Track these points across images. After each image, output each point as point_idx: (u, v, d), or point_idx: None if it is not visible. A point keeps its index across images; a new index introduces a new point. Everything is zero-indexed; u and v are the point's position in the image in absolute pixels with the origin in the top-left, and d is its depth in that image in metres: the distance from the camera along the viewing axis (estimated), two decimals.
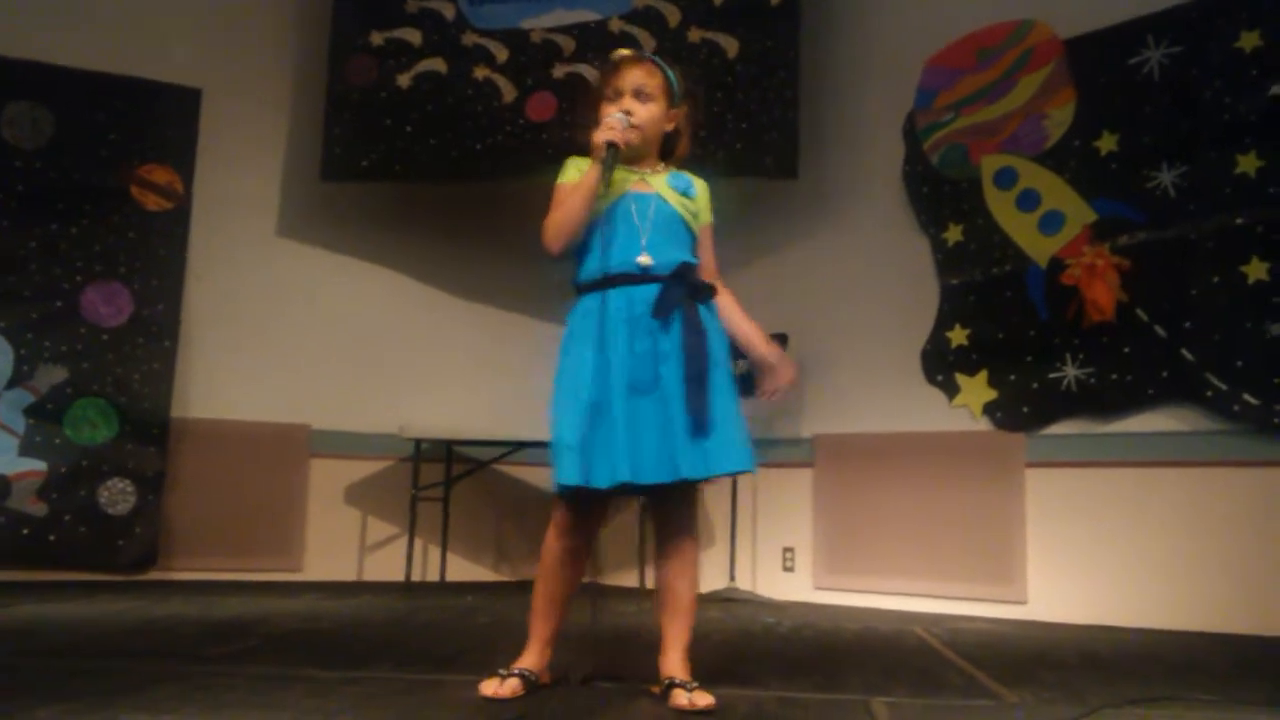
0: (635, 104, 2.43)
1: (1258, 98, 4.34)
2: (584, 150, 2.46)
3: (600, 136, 2.35)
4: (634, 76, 2.45)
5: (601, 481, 2.25)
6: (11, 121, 5.37)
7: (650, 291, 2.34)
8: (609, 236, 2.37)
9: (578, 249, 2.41)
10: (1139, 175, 4.61)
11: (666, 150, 2.53)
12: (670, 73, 2.51)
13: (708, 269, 2.51)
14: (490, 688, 2.29)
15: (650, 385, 2.30)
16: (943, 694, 2.58)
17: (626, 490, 2.32)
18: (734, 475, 2.41)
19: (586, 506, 2.40)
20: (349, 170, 5.90)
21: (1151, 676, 2.96)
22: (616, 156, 2.35)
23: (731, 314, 2.50)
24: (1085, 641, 3.80)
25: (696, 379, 2.29)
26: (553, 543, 2.42)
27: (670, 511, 2.42)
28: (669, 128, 2.50)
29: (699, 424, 2.27)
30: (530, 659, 2.39)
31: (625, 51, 2.53)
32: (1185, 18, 4.56)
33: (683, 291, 2.36)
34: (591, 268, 2.40)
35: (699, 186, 2.51)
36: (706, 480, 2.35)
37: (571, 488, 2.28)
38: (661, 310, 2.32)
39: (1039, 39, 5.00)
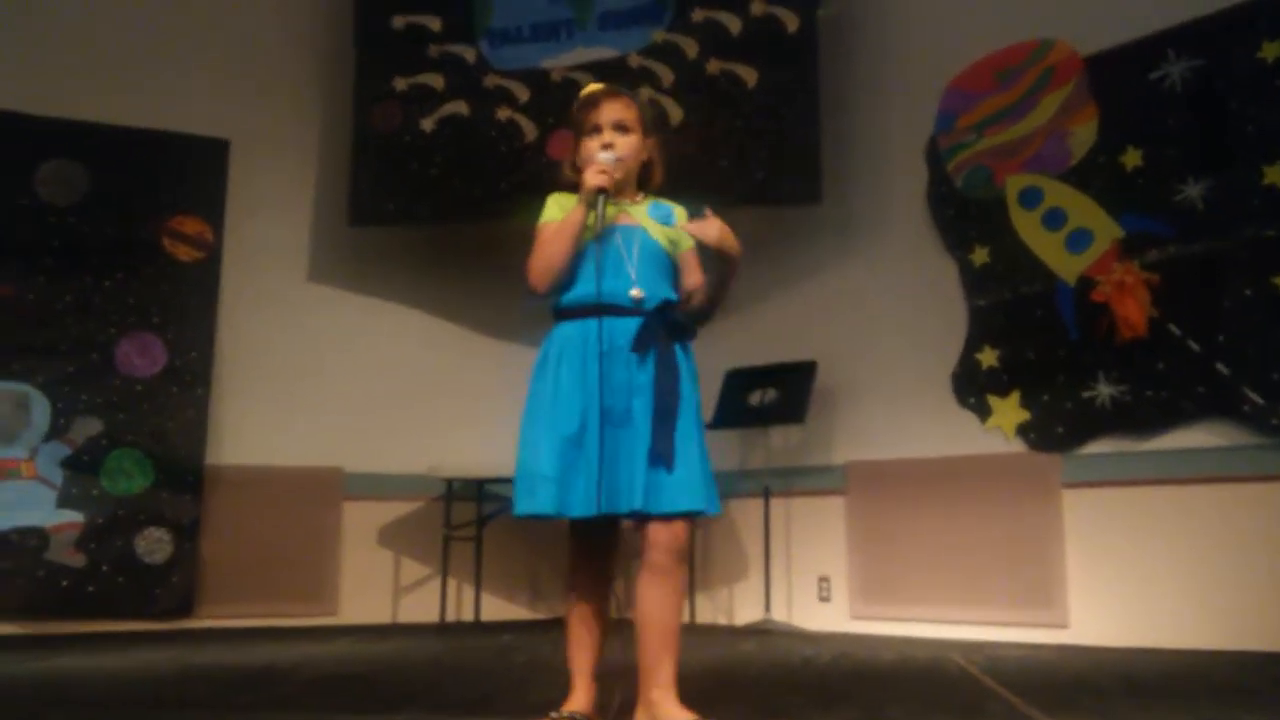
0: (616, 137, 2.44)
1: None
2: (564, 186, 2.48)
3: (592, 181, 2.35)
4: (612, 110, 2.45)
5: (577, 511, 2.26)
6: (45, 180, 5.48)
7: (632, 324, 2.35)
8: (596, 268, 2.37)
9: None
10: (1166, 189, 4.57)
11: (642, 181, 2.54)
12: (643, 105, 2.53)
13: (697, 285, 2.49)
14: None
15: (624, 417, 2.30)
16: None
17: (611, 519, 2.32)
18: (693, 515, 2.33)
19: (594, 536, 2.40)
20: (376, 214, 5.96)
21: (1196, 700, 2.90)
22: (607, 200, 2.37)
23: (696, 282, 2.48)
24: (1128, 665, 3.73)
25: (665, 415, 2.30)
26: (573, 578, 2.43)
27: (651, 544, 2.30)
28: (644, 159, 2.51)
29: (664, 459, 2.27)
30: (578, 699, 2.35)
31: (597, 86, 2.54)
32: (1205, 30, 4.53)
33: (662, 329, 2.37)
34: (576, 297, 2.40)
35: (678, 213, 2.52)
36: (661, 517, 2.28)
37: (545, 516, 2.29)
38: (641, 345, 2.33)
39: (1059, 57, 4.98)
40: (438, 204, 5.91)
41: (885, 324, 5.44)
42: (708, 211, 2.44)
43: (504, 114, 5.86)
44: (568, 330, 2.40)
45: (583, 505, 2.26)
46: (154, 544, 5.36)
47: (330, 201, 6.07)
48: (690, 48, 5.71)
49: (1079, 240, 4.81)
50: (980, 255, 5.14)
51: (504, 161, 5.81)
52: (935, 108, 5.38)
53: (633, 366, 2.33)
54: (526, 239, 6.16)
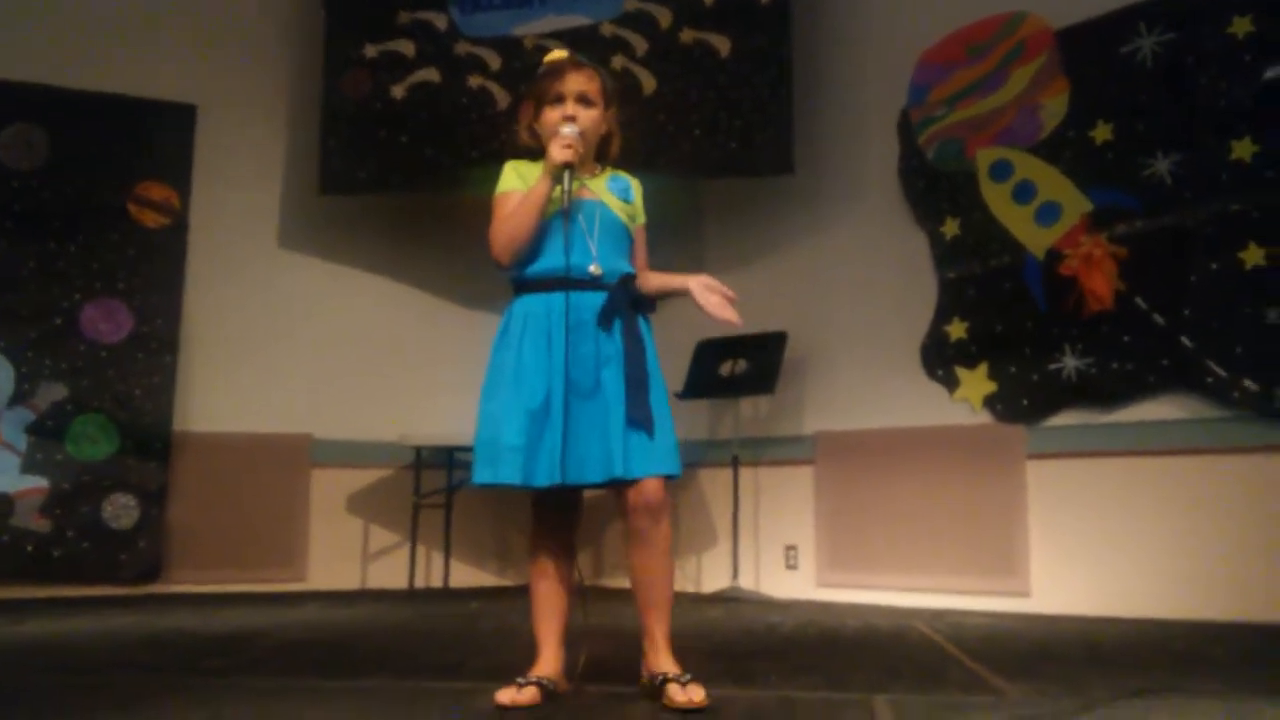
0: (579, 109, 2.44)
1: (1251, 83, 4.33)
2: (521, 153, 2.49)
3: (558, 156, 2.36)
4: (577, 81, 2.46)
5: (542, 480, 2.29)
6: (7, 143, 5.40)
7: (596, 298, 2.39)
8: (554, 242, 2.39)
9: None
10: (1134, 164, 4.60)
11: (601, 153, 2.55)
12: (605, 76, 2.53)
13: (640, 266, 2.54)
14: (507, 696, 2.26)
15: (591, 388, 2.34)
16: (944, 690, 2.57)
17: (578, 488, 2.36)
18: (663, 477, 2.37)
19: (555, 506, 2.43)
20: (347, 183, 5.91)
21: (1155, 668, 2.95)
22: (573, 175, 2.38)
23: (648, 281, 2.52)
24: (1089, 633, 3.79)
25: (637, 382, 2.34)
26: (533, 545, 2.46)
27: (632, 505, 2.35)
28: (603, 131, 2.52)
29: (643, 426, 2.31)
30: (545, 665, 2.37)
31: (562, 54, 2.54)
32: (1177, 5, 4.55)
33: (626, 300, 2.41)
34: (538, 270, 2.42)
35: (635, 187, 2.55)
36: (651, 478, 2.33)
37: (508, 487, 2.31)
38: (607, 318, 2.38)
39: (1031, 30, 5.00)
40: (409, 172, 5.86)
41: (856, 295, 5.47)
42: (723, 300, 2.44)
43: (475, 81, 5.81)
44: (530, 303, 2.42)
45: (548, 475, 2.29)
46: (120, 509, 5.33)
47: (300, 168, 6.01)
48: (663, 17, 5.67)
49: (1048, 213, 4.84)
50: (951, 228, 5.17)
51: (475, 130, 5.76)
52: (907, 80, 5.38)
53: (600, 339, 2.36)
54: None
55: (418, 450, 5.63)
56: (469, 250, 6.22)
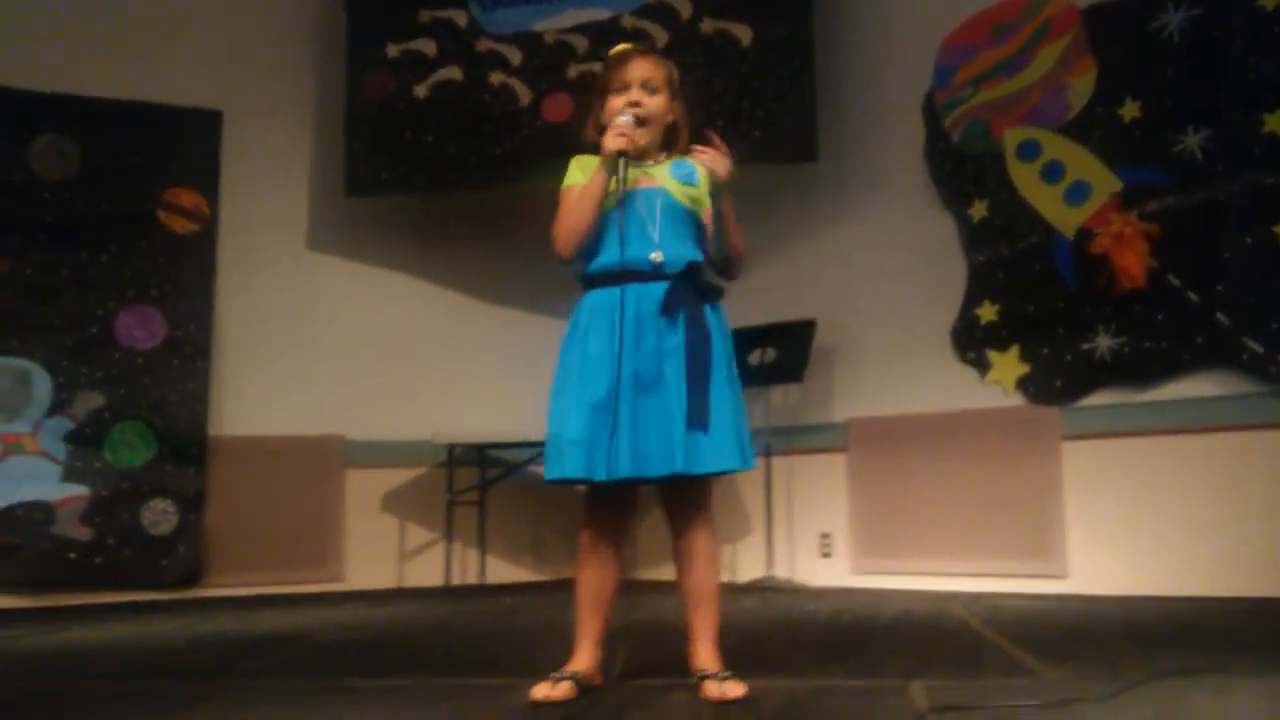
0: (643, 95, 2.43)
1: None
2: (586, 148, 2.47)
3: (611, 145, 2.36)
4: (640, 69, 2.45)
5: (602, 475, 2.27)
6: (39, 155, 5.46)
7: (659, 289, 2.36)
8: (619, 233, 2.36)
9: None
10: (1164, 140, 4.55)
11: (667, 142, 2.52)
12: (671, 67, 2.51)
13: (730, 222, 2.49)
14: (542, 691, 2.27)
15: (654, 381, 2.31)
16: (981, 674, 2.56)
17: (638, 482, 2.34)
18: (730, 473, 2.39)
19: (611, 501, 2.42)
20: (372, 184, 5.94)
21: (1193, 647, 2.92)
22: (628, 164, 2.37)
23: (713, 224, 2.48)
24: (1127, 614, 3.76)
25: (699, 377, 2.31)
26: (585, 540, 2.44)
27: (682, 502, 2.41)
28: (669, 120, 2.50)
29: (699, 421, 2.28)
30: (581, 661, 2.38)
31: (626, 45, 2.53)
32: None
33: (690, 291, 2.37)
34: (602, 263, 2.40)
35: (701, 170, 2.48)
36: (700, 476, 2.34)
37: (576, 481, 2.32)
38: (669, 309, 2.34)
39: (1056, 9, 4.94)
40: (433, 171, 5.87)
41: (884, 281, 5.43)
42: (714, 138, 2.42)
43: (497, 78, 5.82)
44: (596, 298, 2.41)
45: (609, 469, 2.27)
46: (159, 515, 5.39)
47: (326, 170, 6.04)
48: (684, 7, 5.66)
49: (1077, 193, 4.79)
50: (979, 210, 5.13)
51: (499, 126, 5.77)
52: (932, 62, 5.34)
53: (663, 330, 2.34)
54: (525, 204, 6.14)
55: (450, 448, 5.66)
56: (497, 248, 6.28)
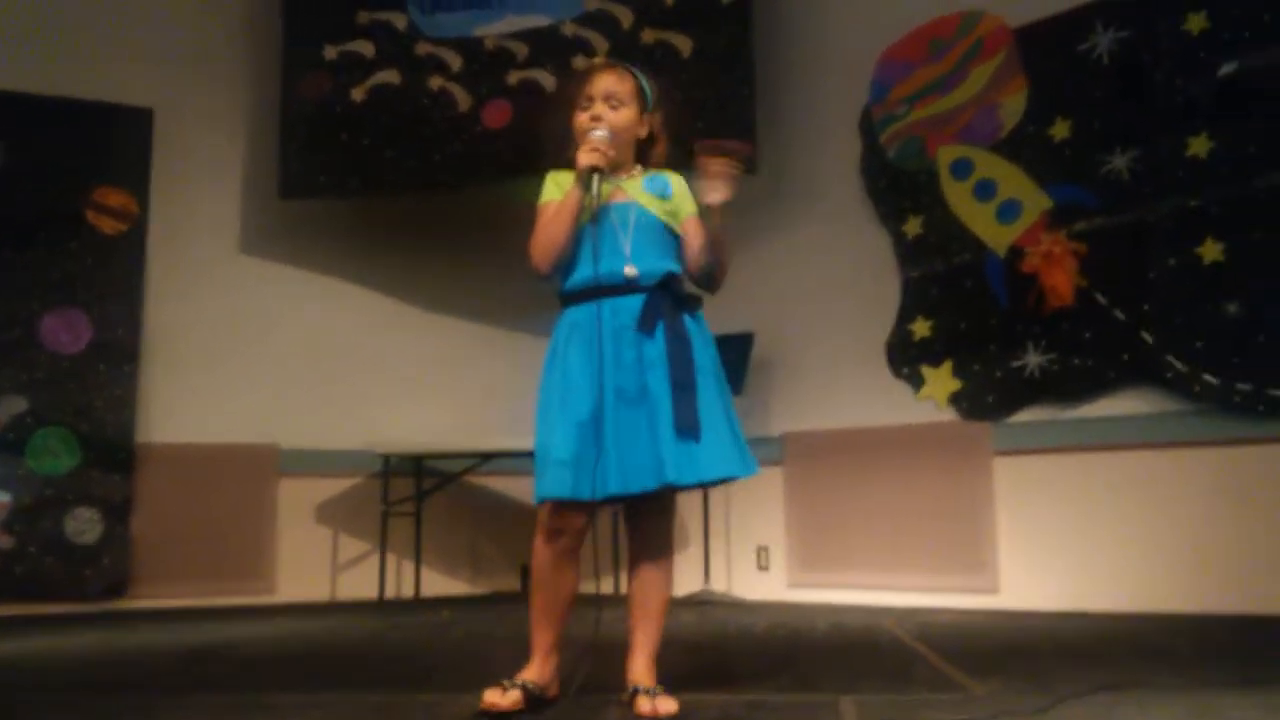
0: (606, 109, 2.42)
1: (1207, 79, 4.38)
2: (556, 163, 2.47)
3: (584, 160, 2.35)
4: (605, 83, 2.44)
5: (589, 494, 2.25)
6: None
7: (636, 302, 2.35)
8: (593, 249, 2.35)
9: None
10: (1093, 160, 4.64)
11: (642, 155, 2.52)
12: (642, 78, 2.50)
13: (718, 242, 2.46)
14: (491, 697, 2.24)
15: (638, 394, 2.30)
16: (911, 689, 2.58)
17: (625, 499, 2.34)
18: (731, 480, 2.40)
19: (575, 514, 2.38)
20: (307, 187, 5.86)
21: (1121, 662, 2.98)
22: (602, 178, 2.36)
23: (697, 237, 2.44)
24: (1056, 629, 3.82)
25: (683, 386, 2.30)
26: (541, 549, 2.39)
27: (647, 524, 2.42)
28: (642, 133, 2.49)
29: (689, 429, 2.27)
30: (534, 670, 2.35)
31: (598, 60, 2.53)
32: (1132, 2, 4.59)
33: (667, 302, 2.36)
34: (576, 280, 2.40)
35: (675, 182, 2.48)
36: (696, 486, 2.35)
37: (559, 500, 2.29)
38: (646, 322, 2.33)
39: (989, 29, 5.03)
40: (370, 175, 5.81)
41: (820, 295, 5.48)
42: (708, 163, 2.33)
43: (436, 83, 5.78)
44: (574, 315, 2.39)
45: (600, 486, 2.25)
46: (84, 524, 5.26)
47: (260, 172, 5.96)
48: (624, 17, 5.67)
49: (1009, 211, 4.87)
50: (913, 226, 5.19)
51: (437, 131, 5.73)
52: (869, 78, 5.40)
53: (643, 343, 2.32)
54: (462, 210, 6.11)
55: (386, 458, 5.60)
56: (433, 254, 6.23)
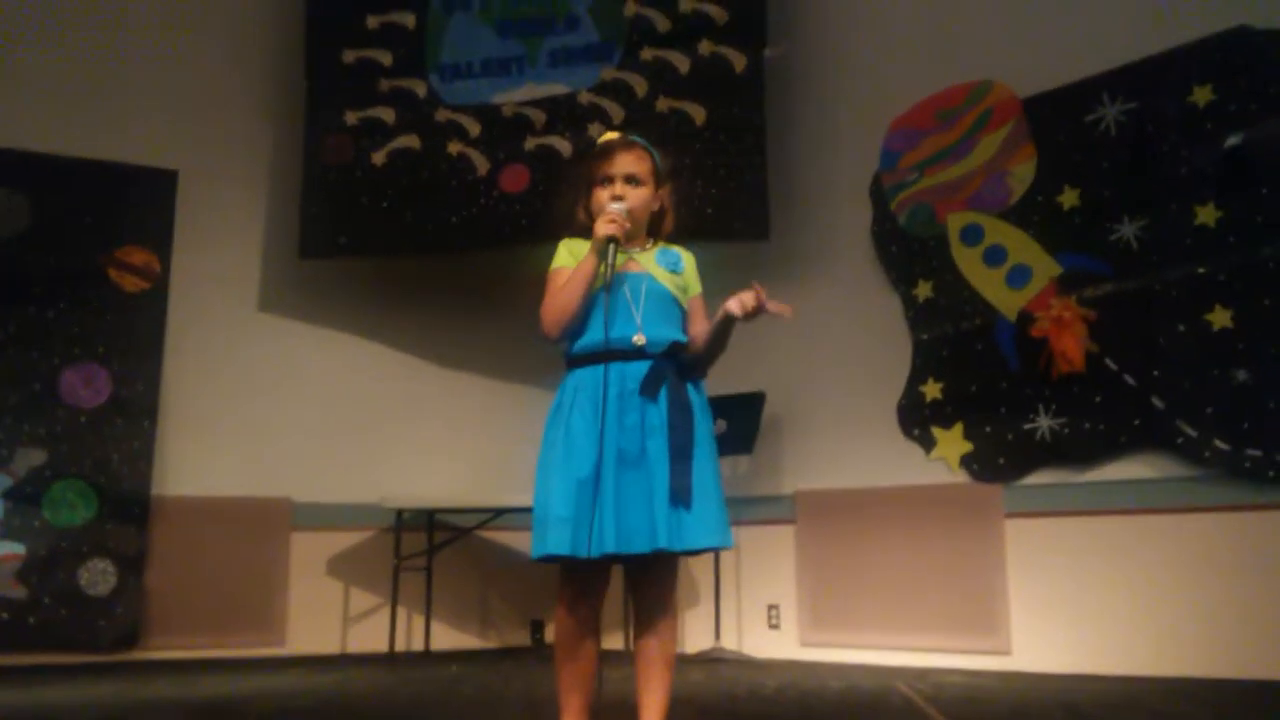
0: (628, 189, 2.50)
1: (1213, 150, 4.45)
2: (569, 229, 2.54)
3: (602, 230, 2.41)
4: (625, 163, 2.51)
5: (588, 551, 2.27)
6: None
7: (642, 368, 2.40)
8: (604, 315, 2.41)
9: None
10: (1101, 229, 4.71)
11: (652, 227, 2.60)
12: (656, 155, 2.58)
13: (703, 334, 2.54)
14: None
15: (637, 458, 2.34)
16: None
17: (619, 560, 2.36)
18: (711, 550, 2.44)
19: (588, 577, 2.41)
20: (327, 247, 5.96)
21: None
22: (617, 249, 2.42)
23: (706, 330, 2.51)
24: (1067, 692, 3.82)
25: (681, 453, 2.35)
26: (563, 618, 2.42)
27: (650, 585, 2.45)
28: (655, 208, 2.57)
29: (682, 497, 2.31)
30: None
31: (613, 135, 2.60)
32: (1138, 74, 4.68)
33: (672, 370, 2.42)
34: (586, 342, 2.45)
35: (686, 260, 2.56)
36: (684, 553, 2.38)
37: (560, 558, 2.31)
38: (649, 387, 2.38)
39: (998, 99, 5.13)
40: (389, 237, 5.91)
41: (832, 357, 5.53)
42: (757, 294, 2.44)
43: (455, 148, 5.89)
44: (581, 376, 2.44)
45: (597, 545, 2.28)
46: (98, 576, 5.29)
47: (281, 233, 6.06)
48: (640, 86, 5.79)
49: (1019, 276, 4.94)
50: (924, 290, 5.26)
51: (455, 195, 5.83)
52: (879, 145, 5.50)
53: (646, 408, 2.37)
54: (478, 271, 6.20)
55: (398, 512, 5.63)
56: (449, 313, 6.31)
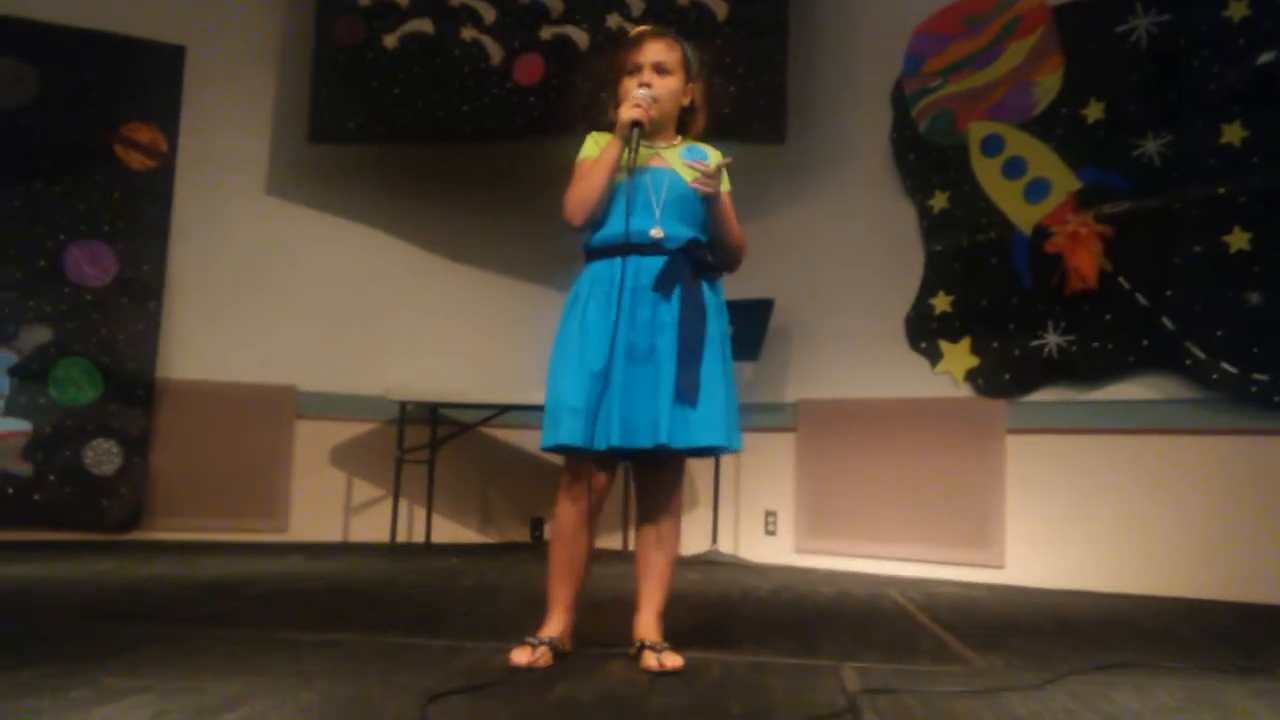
0: (655, 78, 2.45)
1: (1245, 67, 4.34)
2: (595, 124, 2.51)
3: (626, 114, 2.38)
4: (653, 51, 2.47)
5: (595, 443, 2.30)
6: None
7: (657, 263, 2.39)
8: (620, 208, 2.39)
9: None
10: (1125, 144, 4.61)
11: (682, 125, 2.54)
12: (688, 48, 2.52)
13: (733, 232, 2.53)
14: (524, 657, 2.29)
15: (646, 353, 2.35)
16: (913, 659, 2.62)
17: (620, 455, 2.37)
18: (715, 450, 2.45)
19: (594, 471, 2.42)
20: (337, 132, 5.87)
21: (1121, 643, 3.01)
22: (641, 134, 2.39)
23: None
24: (1059, 607, 3.85)
25: (690, 351, 2.35)
26: (564, 508, 2.44)
27: (656, 484, 2.47)
28: (685, 102, 2.52)
29: (688, 394, 2.32)
30: (554, 626, 2.41)
31: (644, 27, 2.55)
32: None
33: (688, 268, 2.40)
34: (604, 236, 2.44)
35: (714, 158, 2.51)
36: (687, 451, 2.39)
37: (571, 448, 2.32)
38: (663, 283, 2.37)
39: (1027, 5, 4.98)
40: (399, 123, 5.81)
41: (842, 265, 5.48)
42: (710, 163, 2.42)
43: (469, 34, 5.76)
44: (597, 269, 2.44)
45: (604, 438, 2.30)
46: (102, 455, 5.34)
47: (290, 115, 5.96)
48: None
49: (1037, 190, 4.85)
50: (940, 201, 5.18)
51: (467, 83, 5.72)
52: (903, 50, 5.36)
53: (658, 304, 2.37)
54: (489, 162, 6.10)
55: (402, 405, 5.64)
56: (459, 205, 6.25)
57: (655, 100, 2.41)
